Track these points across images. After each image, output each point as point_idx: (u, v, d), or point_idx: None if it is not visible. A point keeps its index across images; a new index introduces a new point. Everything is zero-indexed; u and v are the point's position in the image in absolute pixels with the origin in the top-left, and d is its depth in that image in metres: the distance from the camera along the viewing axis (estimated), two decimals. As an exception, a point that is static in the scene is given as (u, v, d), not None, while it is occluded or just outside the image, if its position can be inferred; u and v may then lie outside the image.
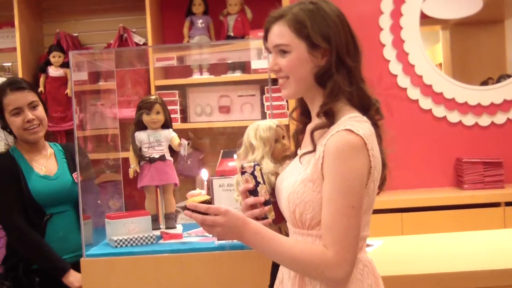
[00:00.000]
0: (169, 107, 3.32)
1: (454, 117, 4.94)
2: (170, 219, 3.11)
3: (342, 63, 2.02)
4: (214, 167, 3.23)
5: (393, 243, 3.36)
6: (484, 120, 4.93)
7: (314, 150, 2.01)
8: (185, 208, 2.05)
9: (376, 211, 4.19)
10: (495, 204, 4.49)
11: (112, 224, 2.91)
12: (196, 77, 4.80)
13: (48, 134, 4.69)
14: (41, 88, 4.77)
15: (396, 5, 4.93)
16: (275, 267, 2.34)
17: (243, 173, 2.19)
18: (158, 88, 4.71)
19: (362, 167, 1.93)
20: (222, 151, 3.28)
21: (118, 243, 2.86)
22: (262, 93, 4.72)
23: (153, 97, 3.16)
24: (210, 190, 2.99)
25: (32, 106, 3.26)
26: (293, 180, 2.05)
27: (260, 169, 2.17)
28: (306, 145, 2.11)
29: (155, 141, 3.09)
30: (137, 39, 4.94)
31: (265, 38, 2.13)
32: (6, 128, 3.31)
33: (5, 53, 5.10)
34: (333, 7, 2.08)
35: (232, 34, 4.72)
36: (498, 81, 5.03)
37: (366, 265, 2.06)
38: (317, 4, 2.06)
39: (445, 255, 3.05)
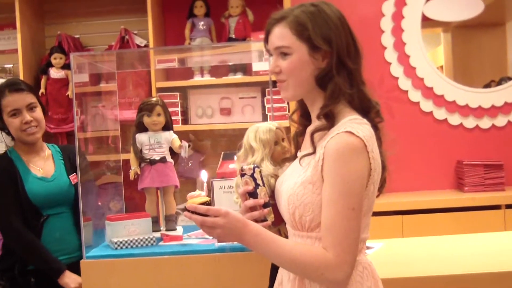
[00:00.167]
0: (170, 109, 3.32)
1: (455, 119, 4.95)
2: (171, 221, 3.11)
3: (343, 65, 2.02)
4: (214, 169, 3.23)
5: (393, 246, 3.36)
6: (485, 123, 4.94)
7: (314, 152, 2.01)
8: (184, 209, 2.05)
9: (376, 213, 4.19)
10: (496, 207, 4.49)
11: (113, 226, 2.91)
12: (197, 79, 4.80)
13: (49, 136, 4.72)
14: (42, 90, 4.78)
15: (398, 8, 4.94)
16: (274, 269, 2.34)
17: (242, 175, 2.19)
18: (159, 90, 4.71)
19: (362, 169, 1.93)
20: (222, 153, 3.28)
21: (118, 245, 2.86)
22: (263, 95, 4.72)
23: (154, 99, 3.16)
24: (210, 192, 2.99)
25: (30, 108, 3.26)
26: (293, 182, 2.04)
27: (260, 171, 2.17)
28: (306, 147, 2.10)
29: (156, 143, 3.09)
30: (139, 41, 4.94)
31: (266, 40, 2.13)
32: (4, 129, 3.31)
33: (6, 55, 5.11)
34: (334, 9, 2.08)
35: (233, 36, 4.72)
36: (499, 83, 5.03)
37: (366, 267, 2.06)
38: (318, 6, 2.06)
39: (446, 258, 3.05)
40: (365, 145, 1.93)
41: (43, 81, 4.81)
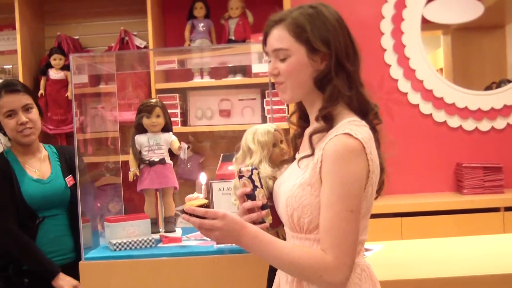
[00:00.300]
0: (170, 111, 3.31)
1: (454, 122, 4.95)
2: (170, 222, 3.10)
3: (342, 67, 2.02)
4: (214, 171, 3.23)
5: (392, 248, 3.36)
6: (484, 125, 4.94)
7: (312, 154, 2.01)
8: (182, 212, 2.05)
9: (375, 216, 4.19)
10: (495, 209, 4.49)
11: (112, 227, 2.90)
12: (197, 81, 4.80)
13: (48, 137, 4.72)
14: (41, 91, 4.77)
15: (397, 10, 4.94)
16: (272, 271, 2.34)
17: (240, 177, 2.19)
18: (159, 91, 4.71)
19: (360, 171, 1.93)
20: (222, 154, 3.28)
21: (117, 246, 2.86)
22: (263, 97, 4.72)
23: (153, 100, 3.16)
24: (209, 194, 2.99)
25: (26, 109, 3.28)
26: (291, 184, 2.04)
27: (258, 173, 2.17)
28: (304, 149, 2.10)
29: (155, 144, 3.09)
30: (138, 42, 4.93)
31: (264, 42, 2.13)
32: (1, 130, 3.32)
33: (6, 56, 5.10)
34: (332, 11, 2.08)
35: (233, 37, 4.72)
36: (498, 86, 5.03)
37: (364, 270, 2.06)
38: (316, 8, 2.06)
39: (445, 260, 3.05)
40: (364, 147, 1.93)
41: (42, 82, 4.80)
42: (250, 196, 2.17)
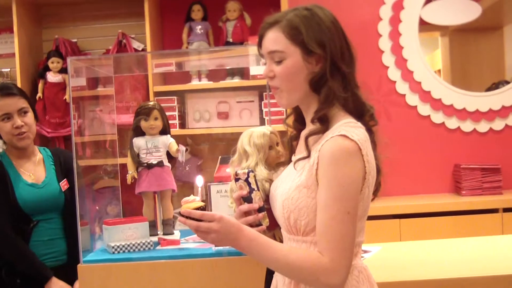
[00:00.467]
0: (168, 113, 3.32)
1: (452, 123, 4.95)
2: (168, 225, 3.10)
3: (337, 69, 2.02)
4: (212, 173, 3.23)
5: (391, 249, 3.36)
6: (483, 126, 4.94)
7: (308, 156, 2.01)
8: (179, 214, 2.05)
9: (374, 217, 4.20)
10: (493, 210, 4.49)
11: (110, 230, 2.90)
12: (195, 83, 4.80)
13: (46, 140, 4.72)
14: (39, 94, 4.77)
15: (395, 12, 4.94)
16: (269, 274, 2.33)
17: (237, 180, 2.19)
18: (157, 94, 4.71)
19: (357, 172, 1.93)
20: (220, 157, 3.28)
21: (116, 249, 2.85)
22: (261, 99, 4.72)
23: (151, 103, 3.16)
24: (207, 196, 2.99)
25: (22, 112, 3.29)
26: (288, 186, 2.04)
27: (254, 176, 2.17)
28: (300, 151, 2.10)
29: (153, 147, 3.09)
30: (136, 45, 4.93)
31: (260, 44, 2.13)
32: None
33: (3, 59, 5.10)
34: (327, 13, 2.07)
35: (231, 40, 4.72)
36: (496, 87, 5.03)
37: (361, 271, 2.06)
38: (311, 10, 2.06)
39: (443, 261, 3.05)
40: (360, 149, 1.93)
41: (40, 85, 4.80)
42: (247, 199, 2.17)
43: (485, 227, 4.37)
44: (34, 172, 3.36)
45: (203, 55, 4.13)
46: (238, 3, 4.73)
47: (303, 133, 2.10)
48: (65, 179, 3.38)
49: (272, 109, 3.88)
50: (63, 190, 3.36)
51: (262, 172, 2.37)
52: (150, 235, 2.98)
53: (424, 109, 4.96)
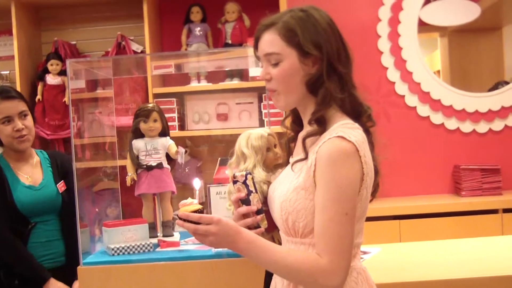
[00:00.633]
0: (167, 115, 3.32)
1: (452, 124, 4.95)
2: (168, 227, 3.10)
3: (334, 70, 2.01)
4: (211, 175, 3.23)
5: (390, 250, 3.36)
6: (482, 127, 4.94)
7: (306, 157, 2.01)
8: (177, 218, 2.05)
9: (373, 218, 4.21)
10: (493, 211, 4.49)
11: (109, 232, 2.90)
12: (194, 85, 4.80)
13: (46, 142, 4.72)
14: (39, 96, 4.77)
15: (394, 13, 4.94)
16: (269, 276, 2.33)
17: (235, 182, 2.18)
18: (156, 96, 4.71)
19: (355, 174, 1.92)
20: (219, 158, 3.27)
21: (115, 251, 2.85)
22: (260, 100, 4.72)
23: (150, 105, 3.16)
24: (207, 198, 2.99)
25: (22, 115, 3.30)
26: (286, 188, 2.04)
27: (252, 178, 2.17)
28: (298, 153, 2.10)
29: (153, 149, 3.08)
30: (135, 47, 4.93)
31: (256, 46, 2.13)
32: None
33: (3, 61, 5.11)
34: (323, 14, 2.07)
35: (230, 41, 4.72)
36: (495, 88, 5.03)
37: (360, 273, 2.06)
38: (307, 11, 2.06)
39: (443, 262, 3.05)
40: (357, 150, 1.93)
41: (39, 88, 4.80)
42: (245, 201, 2.17)
43: (485, 227, 4.37)
44: (32, 174, 3.37)
45: (202, 57, 4.13)
46: (237, 4, 4.73)
47: (301, 135, 2.10)
48: (62, 181, 3.39)
49: (271, 111, 3.87)
50: (60, 192, 3.36)
51: (260, 174, 2.37)
52: (150, 237, 2.97)
53: (424, 110, 4.96)
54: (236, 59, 3.82)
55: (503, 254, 3.17)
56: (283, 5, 4.48)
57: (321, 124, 2.02)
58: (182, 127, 4.82)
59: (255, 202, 2.16)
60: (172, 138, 3.16)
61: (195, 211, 2.03)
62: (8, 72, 5.06)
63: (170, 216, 3.13)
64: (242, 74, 4.75)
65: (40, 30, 5.12)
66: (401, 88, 4.96)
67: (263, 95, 4.56)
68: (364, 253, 3.18)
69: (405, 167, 4.88)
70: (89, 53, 5.08)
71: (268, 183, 2.31)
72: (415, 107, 4.97)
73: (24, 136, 3.29)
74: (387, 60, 4.97)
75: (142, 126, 3.08)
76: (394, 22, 4.95)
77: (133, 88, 4.74)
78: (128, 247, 2.87)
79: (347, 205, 1.91)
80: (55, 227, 3.36)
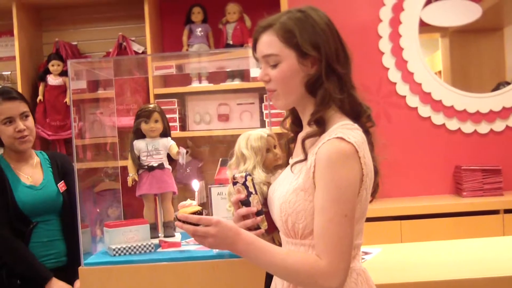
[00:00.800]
0: (168, 116, 3.32)
1: (453, 124, 4.95)
2: (169, 227, 3.10)
3: (332, 71, 2.01)
4: (213, 175, 3.23)
5: (392, 251, 3.36)
6: (483, 128, 4.94)
7: (305, 159, 2.00)
8: (176, 219, 2.04)
9: (374, 219, 4.20)
10: (494, 212, 4.49)
11: (111, 233, 2.90)
12: (195, 85, 4.80)
13: (47, 143, 4.72)
14: (40, 97, 4.78)
15: (395, 13, 4.94)
16: (269, 276, 2.33)
17: (234, 183, 2.18)
18: (157, 96, 4.72)
19: (354, 175, 1.92)
20: (220, 159, 3.28)
21: (117, 252, 2.86)
22: (261, 101, 4.72)
23: (151, 105, 3.16)
24: (208, 198, 2.99)
25: (24, 116, 3.31)
26: (285, 190, 2.04)
27: (252, 179, 2.16)
28: (297, 154, 2.10)
29: (154, 149, 3.09)
30: (136, 47, 4.94)
31: (254, 48, 2.12)
32: None
33: (4, 62, 5.11)
34: (321, 14, 2.06)
35: (231, 42, 4.72)
36: (497, 88, 5.03)
37: (360, 274, 2.05)
38: (305, 12, 2.05)
39: (444, 263, 3.05)
40: (357, 151, 1.92)
41: (41, 88, 4.81)
42: (245, 203, 2.17)
43: (486, 228, 4.37)
44: (32, 174, 3.37)
45: (203, 58, 4.14)
46: (238, 5, 4.74)
47: (300, 136, 2.09)
48: (62, 181, 3.40)
49: (273, 111, 3.88)
50: (60, 192, 3.37)
51: (259, 175, 2.37)
52: (151, 238, 2.98)
53: (425, 111, 4.96)
54: (237, 60, 3.83)
55: (504, 255, 3.16)
56: (284, 6, 4.47)
57: (320, 125, 2.01)
58: (183, 127, 4.82)
59: (255, 204, 2.16)
60: (173, 138, 3.16)
61: (194, 213, 2.02)
62: (9, 72, 5.06)
63: (171, 217, 3.13)
64: (243, 75, 4.75)
65: (41, 31, 5.12)
66: (402, 88, 4.96)
67: (264, 95, 4.56)
68: (365, 253, 3.18)
69: (406, 167, 4.88)
70: (90, 54, 5.08)
71: (268, 184, 2.31)
72: (416, 108, 4.97)
73: (26, 137, 3.30)
74: (388, 60, 4.96)
75: (143, 126, 3.08)
76: (395, 22, 4.95)
77: (134, 89, 4.74)
78: (129, 248, 2.87)
79: (346, 207, 1.91)
80: (56, 227, 3.37)
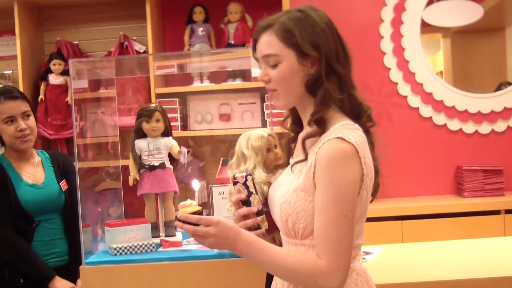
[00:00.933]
0: (169, 115, 3.32)
1: (454, 125, 4.95)
2: (170, 227, 3.10)
3: (332, 71, 2.00)
4: (214, 175, 3.23)
5: (393, 251, 3.36)
6: (484, 128, 4.94)
7: (305, 159, 2.00)
8: (176, 219, 2.04)
9: (376, 219, 4.20)
10: (495, 212, 4.49)
11: (112, 232, 2.90)
12: (197, 85, 4.80)
13: (48, 142, 4.72)
14: (41, 96, 4.78)
15: (397, 13, 4.94)
16: (269, 276, 2.33)
17: (235, 183, 2.18)
18: (159, 96, 4.72)
19: (354, 175, 1.91)
20: (222, 159, 3.27)
21: (118, 251, 2.86)
22: (263, 101, 4.72)
23: (153, 105, 3.16)
24: (209, 198, 2.99)
25: (25, 115, 3.31)
26: (285, 190, 2.03)
27: (252, 179, 2.16)
28: (298, 154, 2.09)
29: (155, 149, 3.09)
30: (138, 47, 4.94)
31: (254, 48, 2.12)
32: None
33: (5, 61, 5.12)
34: (321, 14, 2.05)
35: (232, 42, 4.73)
36: (498, 88, 5.03)
37: (360, 274, 2.05)
38: (304, 12, 2.04)
39: (445, 263, 3.05)
40: (357, 151, 1.91)
41: (42, 87, 4.81)
42: (245, 202, 2.17)
43: (487, 228, 4.37)
44: (34, 173, 3.38)
45: (204, 57, 4.14)
46: (239, 5, 4.74)
47: (301, 136, 2.09)
48: (64, 179, 3.40)
49: (274, 111, 3.88)
50: (63, 190, 3.37)
51: (260, 175, 2.37)
52: (152, 237, 2.98)
53: (426, 111, 4.96)
54: (239, 60, 3.83)
55: (505, 255, 3.16)
56: (286, 6, 4.48)
57: (321, 125, 2.00)
58: (184, 127, 4.82)
59: (256, 203, 2.15)
60: (174, 138, 3.16)
61: (194, 213, 2.02)
62: (10, 72, 5.07)
63: (173, 216, 3.13)
64: (244, 75, 4.76)
65: (42, 30, 5.13)
66: (404, 88, 4.96)
67: (266, 95, 4.56)
68: (366, 253, 3.18)
69: (407, 167, 4.88)
70: (91, 53, 5.09)
71: (269, 184, 2.31)
72: (417, 108, 4.96)
73: (27, 136, 3.30)
74: (389, 60, 4.96)
75: (145, 126, 3.08)
76: (396, 22, 4.95)
77: (135, 88, 4.74)
78: (130, 247, 2.87)
79: (346, 207, 1.90)
80: (59, 226, 3.38)
